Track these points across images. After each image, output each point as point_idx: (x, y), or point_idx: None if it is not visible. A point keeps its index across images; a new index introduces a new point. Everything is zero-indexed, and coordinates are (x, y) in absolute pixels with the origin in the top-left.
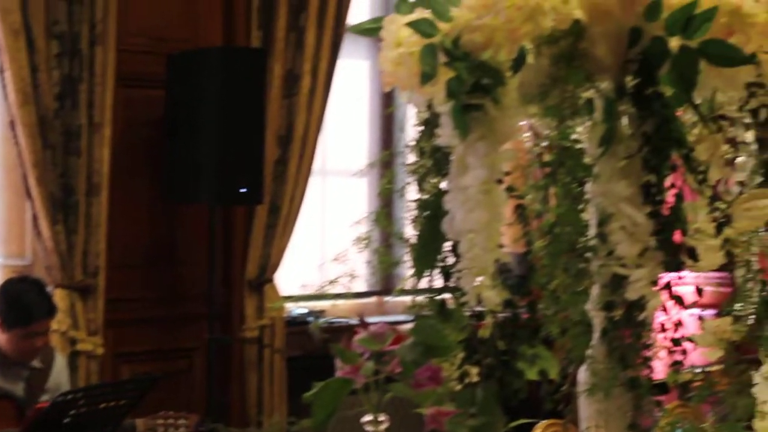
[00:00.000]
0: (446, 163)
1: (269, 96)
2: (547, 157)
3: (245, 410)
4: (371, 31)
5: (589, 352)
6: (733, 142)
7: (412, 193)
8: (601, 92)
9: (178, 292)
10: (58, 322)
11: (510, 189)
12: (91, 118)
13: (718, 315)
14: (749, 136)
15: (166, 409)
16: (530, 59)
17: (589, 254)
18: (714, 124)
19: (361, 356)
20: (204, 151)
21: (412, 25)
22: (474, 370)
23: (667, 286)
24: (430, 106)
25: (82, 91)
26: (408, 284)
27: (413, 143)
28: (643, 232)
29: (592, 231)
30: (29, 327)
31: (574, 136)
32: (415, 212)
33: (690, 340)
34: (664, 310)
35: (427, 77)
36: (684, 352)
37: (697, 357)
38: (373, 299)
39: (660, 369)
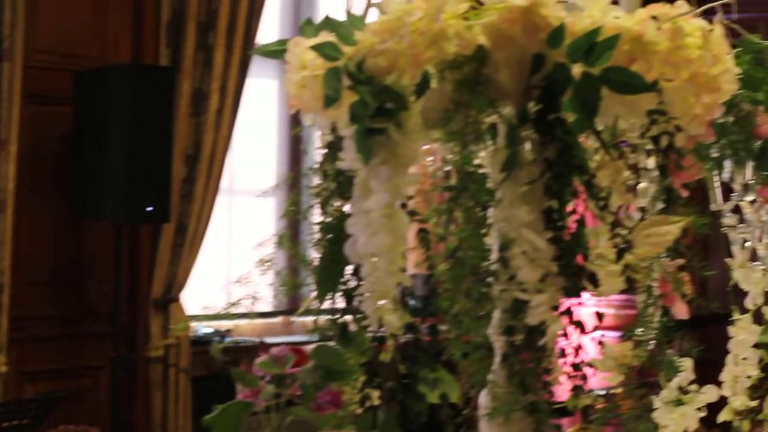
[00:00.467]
0: (349, 186)
1: (177, 114)
2: (450, 182)
3: (150, 430)
4: (276, 53)
5: (490, 376)
6: (635, 169)
7: (316, 215)
8: (503, 118)
9: (83, 310)
10: None
11: (413, 213)
12: None
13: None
14: (651, 162)
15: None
16: (434, 84)
17: (491, 279)
18: (616, 151)
19: (262, 379)
20: (111, 168)
21: (317, 48)
22: (375, 394)
23: (568, 312)
24: (333, 129)
25: None
26: (310, 306)
27: (317, 166)
28: (545, 258)
29: (494, 256)
30: None
31: (477, 161)
32: (318, 235)
33: (590, 365)
34: (565, 335)
35: (330, 100)
36: (584, 377)
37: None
38: (279, 319)
39: (562, 393)
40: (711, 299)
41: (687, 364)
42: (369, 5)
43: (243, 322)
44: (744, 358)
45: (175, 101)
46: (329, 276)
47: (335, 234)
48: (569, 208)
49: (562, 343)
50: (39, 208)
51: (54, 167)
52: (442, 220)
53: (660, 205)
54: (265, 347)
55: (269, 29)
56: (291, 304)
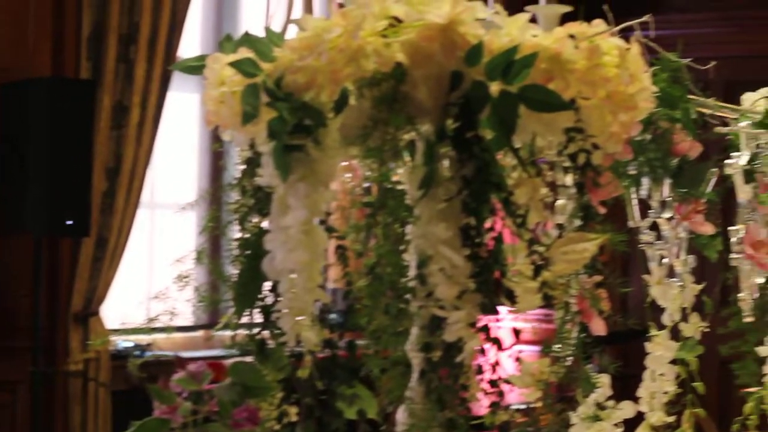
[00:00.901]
0: (268, 202)
1: (98, 128)
2: (368, 198)
3: None
4: (195, 69)
5: (407, 392)
6: (553, 186)
7: (235, 231)
8: (421, 135)
9: (2, 324)
10: None
11: (331, 229)
12: None
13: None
14: (568, 179)
15: None
16: (352, 101)
17: (409, 295)
18: (533, 168)
19: (179, 395)
20: (31, 182)
21: (235, 64)
22: (293, 410)
23: (485, 328)
24: (252, 146)
25: None
26: (229, 322)
27: (235, 182)
28: (462, 274)
29: (412, 272)
30: None
31: (395, 178)
32: (236, 251)
33: (508, 381)
34: (482, 351)
35: (248, 117)
36: (501, 393)
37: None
38: (200, 333)
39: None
40: (630, 315)
41: (604, 380)
42: (288, 22)
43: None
44: (661, 374)
45: (95, 114)
46: (247, 292)
47: (253, 250)
48: (487, 225)
49: (479, 359)
50: None
51: None
52: (361, 236)
53: (577, 222)
54: (182, 363)
55: (191, 43)
56: (212, 319)
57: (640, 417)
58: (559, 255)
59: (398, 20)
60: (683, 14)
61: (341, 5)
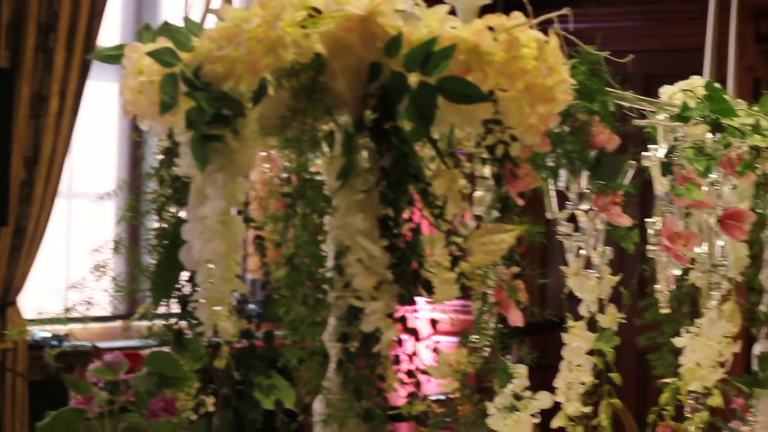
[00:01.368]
0: (185, 192)
1: (16, 117)
2: (287, 189)
3: None
4: (113, 58)
5: (325, 382)
6: (471, 177)
7: (153, 221)
8: (340, 126)
9: None
10: None
11: (249, 220)
12: None
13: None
14: (486, 171)
15: None
16: (271, 91)
17: (326, 286)
18: (451, 160)
19: (95, 385)
20: None
21: (153, 54)
22: (209, 400)
23: (403, 319)
24: (170, 135)
25: None
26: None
27: (153, 171)
28: (380, 265)
29: (330, 263)
30: None
31: (314, 169)
32: (153, 241)
33: (425, 372)
34: (400, 342)
35: (166, 106)
36: (418, 383)
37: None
38: (118, 323)
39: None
40: (549, 306)
41: (521, 370)
42: (207, 12)
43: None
44: (578, 365)
45: (14, 103)
46: (164, 282)
47: (171, 240)
48: (405, 216)
49: (396, 350)
50: None
51: None
52: (279, 227)
53: (495, 214)
54: (98, 353)
55: (111, 32)
56: (130, 309)
57: (557, 407)
58: (477, 246)
59: (317, 11)
60: (602, 8)
61: None
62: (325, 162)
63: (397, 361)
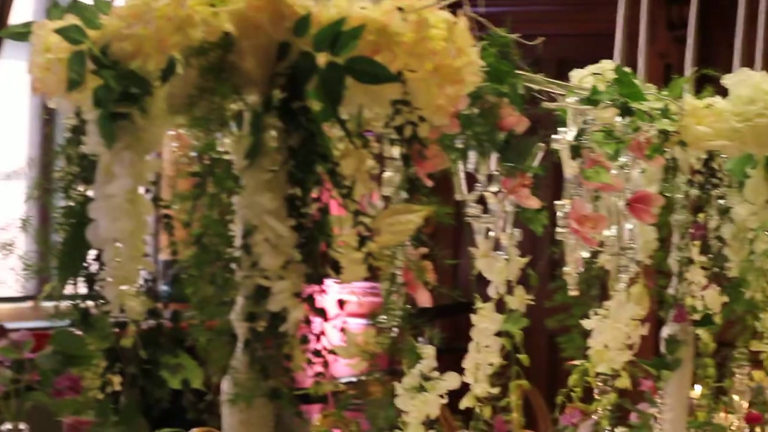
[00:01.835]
0: (93, 170)
1: None
2: (195, 168)
3: None
4: (21, 35)
5: (232, 362)
6: (380, 158)
7: (61, 199)
8: (248, 105)
9: None
10: None
11: (156, 199)
12: None
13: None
14: (395, 152)
15: None
16: (179, 70)
17: (235, 265)
18: (360, 140)
19: (0, 364)
20: None
21: (61, 31)
22: (116, 380)
23: (310, 299)
24: (78, 113)
25: None
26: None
27: (61, 149)
28: (287, 245)
29: (238, 242)
30: None
31: (223, 148)
32: (61, 219)
33: (333, 352)
34: (308, 321)
35: (73, 84)
36: (326, 363)
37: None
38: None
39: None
40: (459, 288)
41: (429, 351)
42: None
43: None
44: (486, 346)
45: None
46: (71, 260)
47: (78, 218)
48: (313, 195)
49: (304, 329)
50: None
51: None
52: (187, 206)
53: (404, 195)
54: (4, 332)
55: (23, 10)
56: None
57: (466, 389)
58: (385, 226)
59: None
60: None
61: None
62: (233, 141)
63: (304, 340)
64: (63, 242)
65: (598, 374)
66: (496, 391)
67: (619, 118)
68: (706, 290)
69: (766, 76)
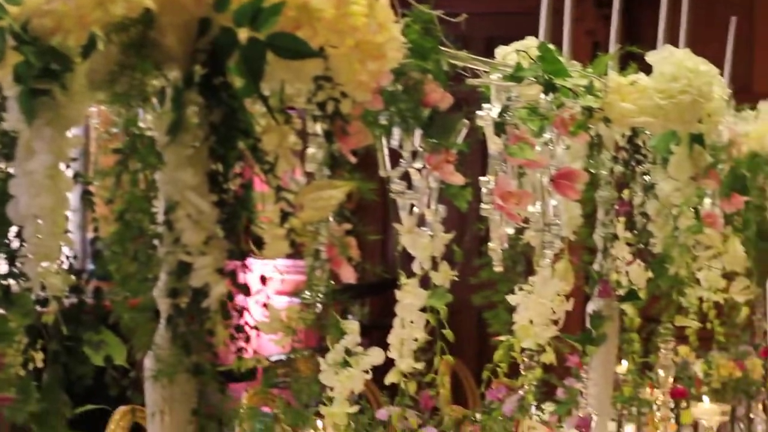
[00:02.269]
0: (13, 147)
1: None
2: (117, 144)
3: None
4: None
5: (155, 338)
6: (303, 134)
7: None
8: (169, 81)
9: None
10: None
11: (77, 175)
12: None
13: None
14: (318, 128)
15: None
16: (100, 46)
17: (157, 241)
18: (282, 116)
19: None
20: None
21: None
22: (39, 356)
23: (233, 274)
24: None
25: None
26: None
27: None
28: (208, 220)
29: (161, 218)
30: None
31: (145, 124)
32: None
33: (256, 328)
34: (231, 297)
35: None
36: (248, 338)
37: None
38: None
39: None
40: (389, 265)
41: (353, 326)
42: None
43: None
44: (411, 322)
45: None
46: None
47: None
48: (236, 171)
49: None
50: None
51: None
52: (109, 182)
53: (327, 171)
54: None
55: None
56: None
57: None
58: (307, 202)
59: None
60: None
61: None
62: (155, 117)
63: (227, 316)
64: None
65: (523, 350)
66: (421, 366)
67: (543, 95)
68: (631, 266)
69: (690, 54)
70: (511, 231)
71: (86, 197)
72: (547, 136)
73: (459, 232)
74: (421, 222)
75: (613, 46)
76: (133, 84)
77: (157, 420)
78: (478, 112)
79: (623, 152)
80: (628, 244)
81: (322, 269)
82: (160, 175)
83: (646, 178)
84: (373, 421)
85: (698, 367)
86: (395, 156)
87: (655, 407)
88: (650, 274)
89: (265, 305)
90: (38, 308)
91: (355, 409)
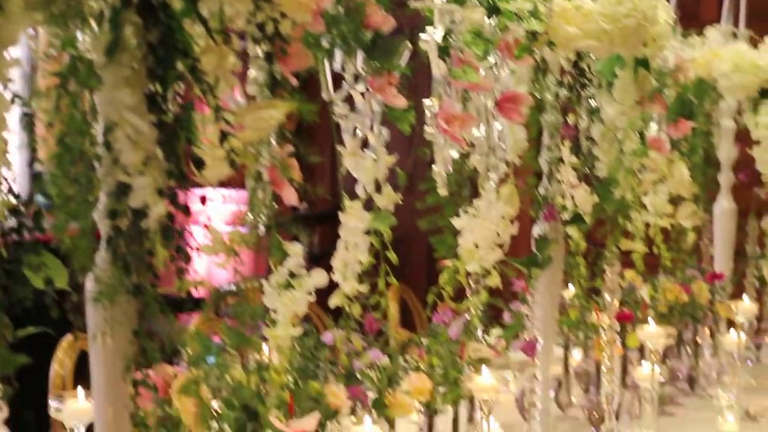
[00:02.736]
0: None
1: None
2: (55, 66)
3: None
4: None
5: (96, 260)
6: (243, 55)
7: None
8: (107, 1)
9: None
10: None
11: (16, 97)
12: None
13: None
14: (259, 50)
15: None
16: None
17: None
18: (221, 36)
19: None
20: None
21: None
22: None
23: (173, 195)
24: None
25: None
26: None
27: None
28: (147, 141)
29: (100, 139)
30: None
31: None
32: None
33: (198, 248)
34: (172, 219)
35: None
36: (188, 259)
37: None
38: None
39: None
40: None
41: (296, 249)
42: None
43: None
44: (355, 244)
45: None
46: None
47: None
48: (177, 92)
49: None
50: None
51: None
52: (48, 104)
53: (267, 92)
54: None
55: None
56: None
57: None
58: (247, 122)
59: None
60: None
61: None
62: (92, 38)
63: (167, 236)
64: None
65: (468, 273)
66: (365, 289)
67: (487, 19)
68: (577, 190)
69: None
70: (455, 155)
71: (26, 118)
72: (491, 59)
73: (403, 155)
74: (365, 145)
75: None
76: (70, 4)
77: (99, 342)
78: (422, 35)
79: (568, 76)
80: (574, 168)
81: (263, 191)
82: (99, 96)
83: (592, 102)
84: (318, 344)
85: (644, 292)
86: (338, 79)
87: (601, 331)
88: (596, 198)
89: (206, 227)
90: None
91: (299, 331)
